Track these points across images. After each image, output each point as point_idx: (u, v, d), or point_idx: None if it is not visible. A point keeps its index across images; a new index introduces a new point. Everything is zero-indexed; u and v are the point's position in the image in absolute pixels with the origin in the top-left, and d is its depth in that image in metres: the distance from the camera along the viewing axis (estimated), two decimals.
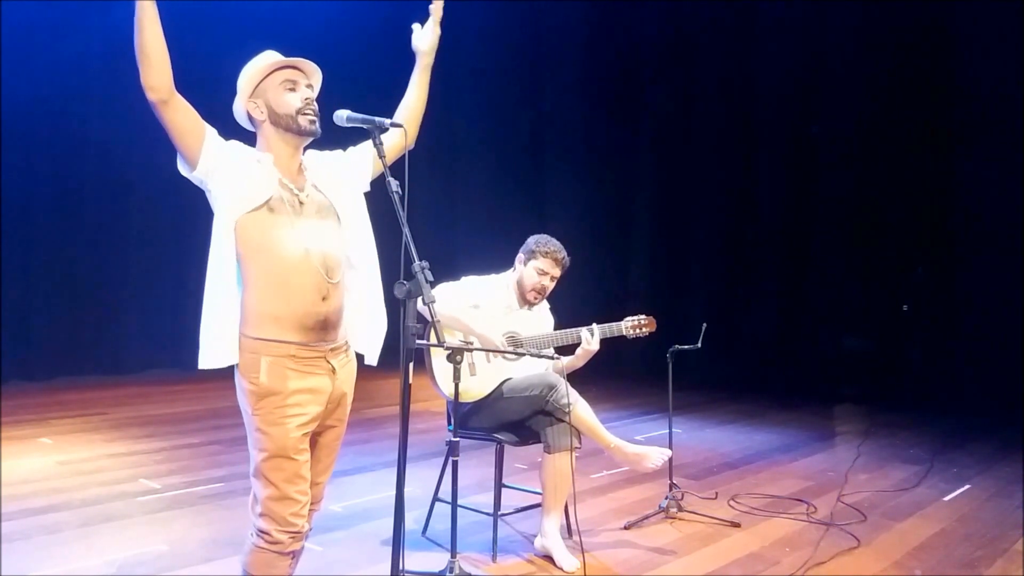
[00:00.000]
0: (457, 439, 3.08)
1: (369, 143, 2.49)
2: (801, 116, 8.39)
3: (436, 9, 2.64)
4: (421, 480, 4.15)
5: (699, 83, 9.03)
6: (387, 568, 2.33)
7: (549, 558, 3.50)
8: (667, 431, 4.27)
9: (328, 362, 2.33)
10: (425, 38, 2.63)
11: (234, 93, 2.36)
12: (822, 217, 8.34)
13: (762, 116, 8.66)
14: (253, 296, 2.25)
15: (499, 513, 3.60)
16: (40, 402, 6.70)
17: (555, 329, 3.75)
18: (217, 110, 2.43)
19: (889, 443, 6.02)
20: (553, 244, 3.69)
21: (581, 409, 3.52)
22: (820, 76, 8.31)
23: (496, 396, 3.53)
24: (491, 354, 3.56)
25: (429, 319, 2.23)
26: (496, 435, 3.57)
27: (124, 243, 8.19)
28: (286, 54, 2.38)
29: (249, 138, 2.39)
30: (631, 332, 3.67)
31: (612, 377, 7.62)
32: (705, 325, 4.21)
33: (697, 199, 9.09)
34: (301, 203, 2.31)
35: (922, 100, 7.71)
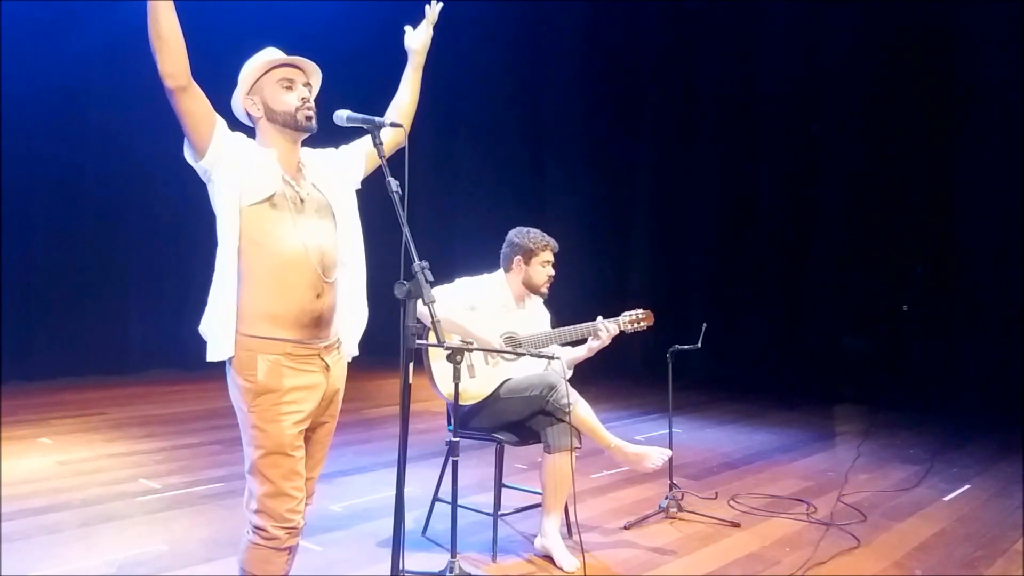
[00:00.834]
0: (457, 439, 3.08)
1: (360, 140, 2.51)
2: (801, 116, 8.39)
3: (432, 12, 2.64)
4: (421, 480, 4.15)
5: (699, 83, 9.02)
6: (387, 568, 2.33)
7: (549, 558, 3.50)
8: (667, 431, 4.27)
9: (322, 359, 2.35)
10: (417, 38, 2.65)
11: (233, 91, 2.36)
12: (822, 217, 8.34)
13: (762, 116, 8.65)
14: (249, 292, 2.25)
15: (499, 513, 3.60)
16: (40, 402, 6.70)
17: (552, 324, 3.76)
18: (217, 108, 2.43)
19: (889, 443, 6.02)
20: (541, 234, 3.73)
21: (581, 409, 3.53)
22: (820, 76, 8.30)
23: (496, 397, 3.53)
24: (490, 355, 3.56)
25: (429, 319, 2.22)
26: (496, 435, 3.57)
27: (124, 243, 8.20)
28: (287, 53, 2.38)
29: (248, 132, 2.39)
30: (629, 327, 3.67)
31: (612, 377, 7.62)
32: (705, 325, 4.21)
33: (697, 199, 9.09)
34: (302, 200, 2.32)
35: (922, 100, 7.71)
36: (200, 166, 2.26)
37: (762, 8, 8.48)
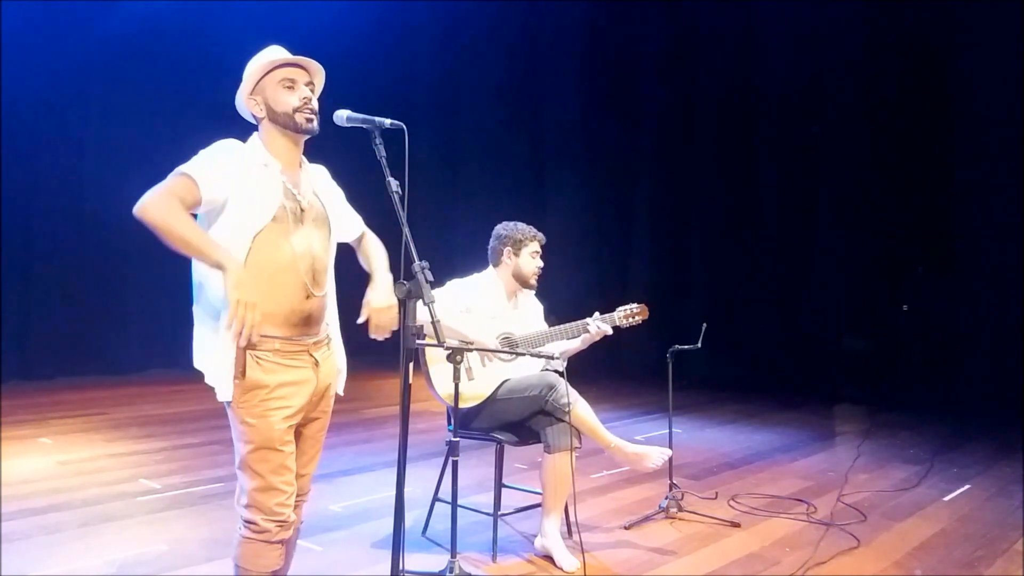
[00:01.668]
0: (457, 439, 3.08)
1: (355, 219, 2.52)
2: (802, 116, 8.39)
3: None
4: (421, 480, 4.15)
5: (700, 82, 9.03)
6: (387, 568, 2.33)
7: (549, 558, 3.50)
8: (667, 431, 4.27)
9: (311, 355, 2.35)
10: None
11: (235, 90, 2.36)
12: (822, 217, 8.35)
13: (763, 116, 8.66)
14: None
15: (499, 513, 3.60)
16: (40, 402, 6.70)
17: (546, 315, 3.75)
18: (220, 109, 2.43)
19: (889, 443, 6.02)
20: (528, 227, 3.76)
21: (581, 409, 3.52)
22: (821, 76, 8.31)
23: (495, 397, 3.53)
24: (487, 358, 3.56)
25: (429, 320, 2.22)
26: (496, 435, 3.57)
27: (124, 243, 8.18)
28: (291, 51, 2.38)
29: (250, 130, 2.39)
30: (624, 322, 3.67)
31: (612, 377, 7.62)
32: (705, 325, 4.21)
33: (697, 199, 9.10)
34: (303, 210, 2.32)
35: (923, 100, 7.71)
36: (200, 211, 2.23)
37: (762, 9, 8.48)
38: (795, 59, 8.40)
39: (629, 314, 3.68)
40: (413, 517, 3.91)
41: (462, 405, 3.46)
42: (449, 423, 3.60)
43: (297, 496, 2.38)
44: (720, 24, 8.80)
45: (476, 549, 3.62)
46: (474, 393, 3.51)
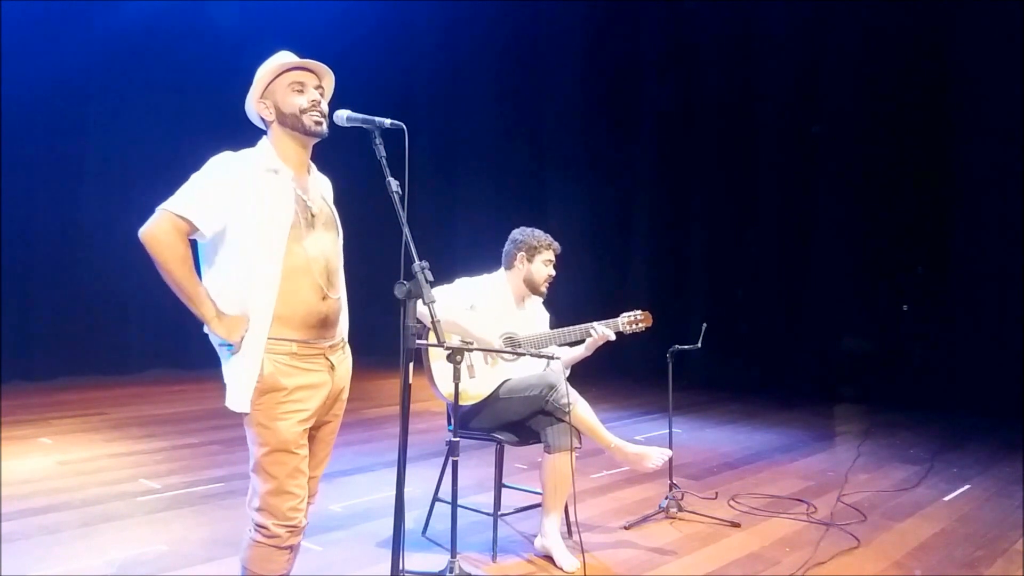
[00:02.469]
0: (457, 439, 3.08)
1: None
2: (801, 116, 8.39)
3: None
4: (421, 480, 4.15)
5: (699, 83, 9.02)
6: (387, 568, 2.33)
7: (549, 558, 3.50)
8: (667, 431, 4.27)
9: (327, 358, 2.36)
10: None
11: (241, 95, 2.36)
12: (822, 217, 8.34)
13: (762, 116, 8.65)
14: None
15: (499, 513, 3.60)
16: (40, 402, 6.70)
17: (552, 326, 3.76)
18: (226, 110, 2.43)
19: (889, 443, 6.02)
20: (545, 235, 3.76)
21: (581, 409, 3.53)
22: (820, 76, 8.30)
23: (495, 397, 3.53)
24: (489, 356, 3.56)
25: (429, 320, 2.23)
26: (496, 435, 3.57)
27: (124, 243, 8.17)
28: (295, 54, 2.38)
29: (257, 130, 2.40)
30: (628, 328, 3.68)
31: (612, 377, 7.62)
32: (705, 325, 4.21)
33: (697, 199, 9.09)
34: (313, 215, 2.34)
35: (922, 100, 7.70)
36: (207, 239, 2.25)
37: (762, 9, 8.47)
38: (794, 60, 8.40)
39: (633, 320, 3.68)
40: (413, 517, 3.92)
41: (464, 403, 3.47)
42: (449, 423, 3.60)
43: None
44: (719, 25, 8.79)
45: (476, 549, 3.62)
46: (475, 392, 3.51)
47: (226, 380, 2.29)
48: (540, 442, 3.51)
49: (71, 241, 7.89)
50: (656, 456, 3.60)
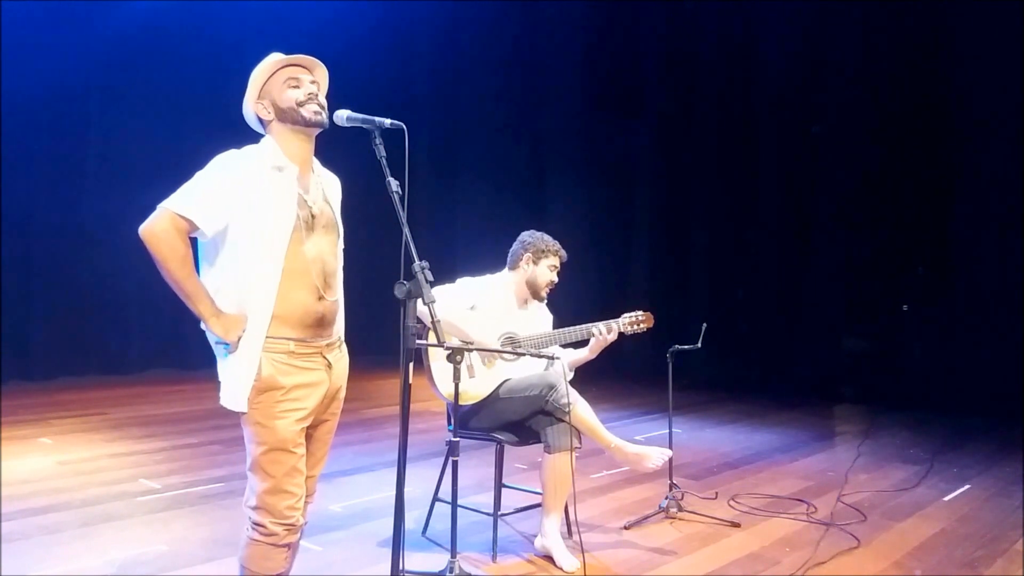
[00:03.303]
0: (457, 439, 3.08)
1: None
2: (801, 116, 8.39)
3: None
4: (421, 480, 4.15)
5: (699, 83, 9.03)
6: (387, 568, 2.33)
7: (549, 558, 3.50)
8: (667, 431, 4.27)
9: (324, 357, 2.36)
10: None
11: (240, 94, 2.36)
12: (822, 217, 8.34)
13: (762, 116, 8.66)
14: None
15: (499, 513, 3.60)
16: (40, 402, 6.70)
17: (554, 326, 3.76)
18: (226, 110, 2.43)
19: (889, 443, 6.02)
20: (554, 240, 3.76)
21: (581, 409, 3.53)
22: (820, 76, 8.30)
23: (495, 397, 3.53)
24: (488, 356, 3.56)
25: (429, 320, 2.23)
26: (496, 435, 3.57)
27: (124, 243, 8.17)
28: (288, 54, 2.39)
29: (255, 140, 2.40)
30: (628, 328, 3.68)
31: (612, 377, 7.62)
32: (705, 325, 4.21)
33: (697, 199, 9.09)
34: (313, 217, 2.34)
35: (923, 100, 7.71)
36: (209, 237, 2.26)
37: (762, 9, 8.48)
38: (795, 60, 8.40)
39: (634, 321, 3.68)
40: (413, 517, 3.92)
41: (463, 402, 3.47)
42: (449, 423, 3.60)
43: (304, 497, 2.39)
44: (719, 25, 8.80)
45: (476, 549, 3.62)
46: (475, 391, 3.51)
47: (222, 378, 2.29)
48: (540, 442, 3.51)
49: (71, 241, 7.88)
50: (656, 456, 3.60)
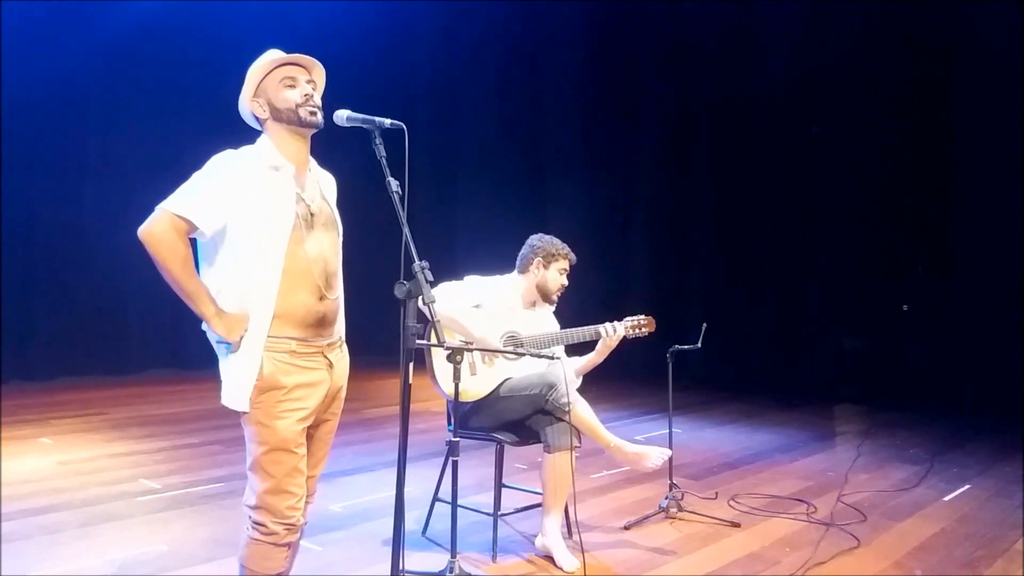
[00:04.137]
0: (457, 439, 3.08)
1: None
2: (801, 116, 8.39)
3: None
4: (421, 480, 4.15)
5: (699, 83, 9.02)
6: (387, 568, 2.33)
7: (549, 558, 3.50)
8: (667, 431, 4.27)
9: (325, 356, 2.36)
10: None
11: (238, 92, 2.36)
12: (822, 217, 8.34)
13: (762, 116, 8.65)
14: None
15: (499, 513, 3.60)
16: (40, 402, 6.70)
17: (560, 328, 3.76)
18: (226, 110, 2.43)
19: (889, 443, 6.02)
20: (563, 244, 3.77)
21: (581, 408, 3.53)
22: (820, 76, 8.30)
23: (496, 396, 3.53)
24: (490, 355, 3.56)
25: (429, 319, 2.23)
26: (496, 435, 3.57)
27: (124, 243, 8.17)
28: (290, 52, 2.39)
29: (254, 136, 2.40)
30: (631, 332, 3.68)
31: (612, 377, 7.56)
32: (705, 325, 4.21)
33: (697, 199, 9.09)
34: (312, 215, 2.33)
35: (923, 100, 7.71)
36: (207, 237, 2.26)
37: (762, 9, 8.48)
38: (794, 59, 8.39)
39: (636, 325, 3.68)
40: (413, 517, 3.92)
41: (464, 400, 3.47)
42: (449, 423, 3.60)
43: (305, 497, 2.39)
44: (719, 25, 8.80)
45: (476, 549, 3.62)
46: (476, 390, 3.51)
47: (223, 377, 2.29)
48: (540, 442, 3.51)
49: (71, 241, 7.88)
50: (656, 456, 3.61)
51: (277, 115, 2.32)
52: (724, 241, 8.86)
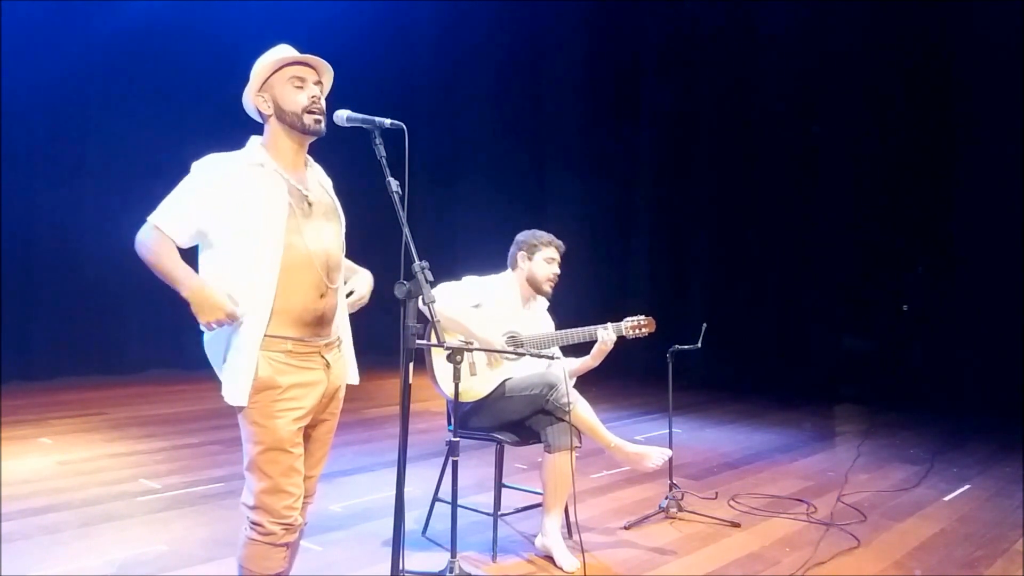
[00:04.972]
0: (457, 439, 3.08)
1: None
2: (802, 116, 8.39)
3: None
4: (421, 480, 4.15)
5: (699, 83, 9.02)
6: (387, 568, 2.33)
7: (549, 558, 3.50)
8: (667, 431, 4.27)
9: (322, 356, 2.35)
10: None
11: (240, 94, 2.36)
12: (822, 217, 8.34)
13: (763, 115, 8.65)
14: None
15: (499, 513, 3.60)
16: (40, 402, 6.69)
17: (556, 330, 3.76)
18: (226, 110, 2.43)
19: (889, 443, 6.02)
20: (546, 233, 3.76)
21: (581, 408, 3.53)
22: (821, 76, 8.30)
23: (496, 396, 3.53)
24: (491, 355, 3.56)
25: (429, 319, 2.23)
26: (496, 435, 3.57)
27: (124, 243, 8.17)
28: (297, 52, 2.38)
29: (255, 130, 2.40)
30: (631, 332, 3.68)
31: (612, 377, 7.56)
32: (705, 325, 4.20)
33: (697, 199, 9.09)
34: (310, 204, 2.33)
35: (923, 99, 7.71)
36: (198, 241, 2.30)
37: (763, 9, 8.47)
38: (795, 59, 8.39)
39: (636, 325, 3.68)
40: (413, 517, 3.92)
41: (464, 400, 3.47)
42: (449, 423, 3.60)
43: (303, 498, 2.38)
44: (719, 25, 8.79)
45: (476, 549, 3.62)
46: (476, 390, 3.51)
47: (222, 375, 2.29)
48: (540, 442, 3.51)
49: (71, 241, 7.87)
50: (656, 455, 3.61)
51: (281, 115, 2.31)
52: (724, 241, 8.86)
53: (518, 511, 3.87)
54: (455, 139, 9.97)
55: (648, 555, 3.63)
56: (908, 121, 7.77)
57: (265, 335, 2.24)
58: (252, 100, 2.34)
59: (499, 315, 3.61)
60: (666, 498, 4.17)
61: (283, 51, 2.35)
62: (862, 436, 6.22)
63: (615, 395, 7.45)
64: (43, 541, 3.60)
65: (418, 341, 2.24)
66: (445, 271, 3.33)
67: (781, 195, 8.55)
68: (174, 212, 2.24)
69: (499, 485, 3.65)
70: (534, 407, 3.48)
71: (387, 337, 2.50)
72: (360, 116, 2.34)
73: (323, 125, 2.33)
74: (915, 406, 7.22)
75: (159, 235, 2.23)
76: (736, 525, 4.03)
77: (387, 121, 2.35)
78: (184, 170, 2.28)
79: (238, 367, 2.23)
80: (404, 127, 2.32)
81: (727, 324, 8.34)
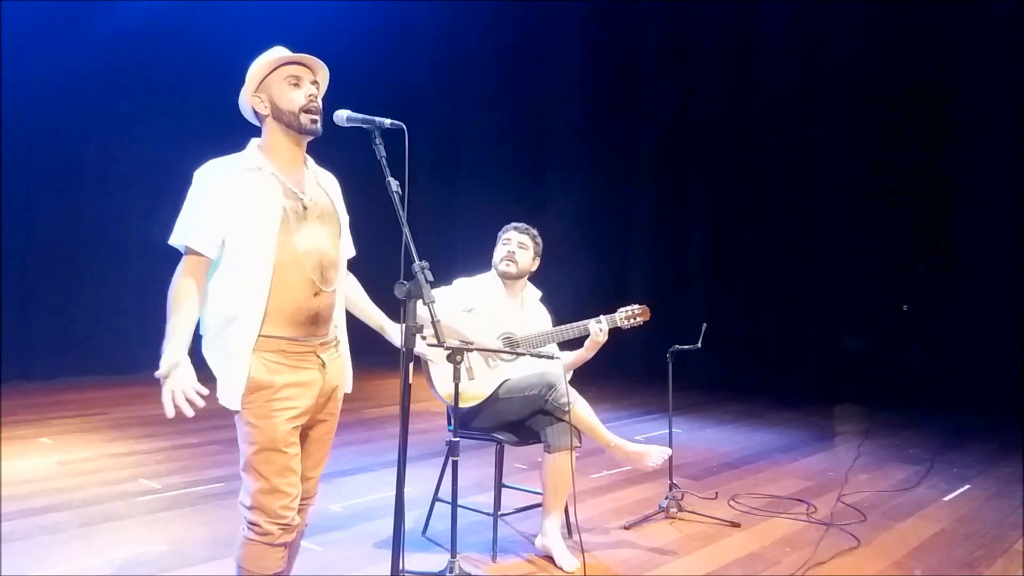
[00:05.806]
0: (457, 439, 3.08)
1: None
2: (802, 115, 8.39)
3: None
4: (421, 480, 4.15)
5: (699, 82, 9.03)
6: (387, 568, 2.33)
7: (549, 558, 3.50)
8: (667, 431, 4.27)
9: (318, 356, 2.35)
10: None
11: (238, 93, 2.36)
12: (822, 216, 8.34)
13: (762, 115, 8.65)
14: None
15: (499, 513, 3.60)
16: (40, 402, 6.69)
17: (555, 325, 3.76)
18: (226, 111, 2.43)
19: (889, 443, 6.02)
20: (514, 223, 3.79)
21: (581, 408, 3.53)
22: (821, 76, 8.30)
23: (495, 397, 3.53)
24: (488, 357, 3.56)
25: (429, 319, 2.23)
26: (496, 435, 3.57)
27: (124, 242, 8.20)
28: (292, 51, 2.38)
29: (255, 131, 2.40)
30: (625, 323, 3.66)
31: (612, 377, 7.62)
32: (705, 325, 4.21)
33: (697, 198, 9.10)
34: (305, 207, 2.32)
35: (923, 100, 7.71)
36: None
37: (763, 8, 8.48)
38: (795, 59, 8.40)
39: (630, 315, 3.67)
40: (413, 517, 3.92)
41: (463, 404, 3.47)
42: (449, 423, 3.60)
43: (303, 499, 2.38)
44: (719, 24, 8.80)
45: (476, 549, 3.62)
46: (475, 392, 3.51)
47: (217, 377, 2.28)
48: (540, 442, 3.51)
49: (71, 241, 7.88)
50: (656, 455, 3.61)
51: (278, 115, 2.31)
52: (724, 241, 8.86)
53: (518, 511, 3.86)
54: (455, 139, 9.97)
55: (648, 555, 3.63)
56: (908, 121, 7.77)
57: (259, 335, 2.24)
58: (249, 101, 2.34)
59: (492, 317, 3.60)
60: (666, 498, 4.17)
61: (278, 52, 2.36)
62: (862, 436, 6.22)
63: (615, 395, 7.45)
64: (43, 541, 3.60)
65: (418, 343, 2.23)
66: (445, 271, 3.32)
67: (781, 195, 8.55)
68: (196, 226, 2.22)
69: (499, 485, 3.65)
70: (533, 407, 3.47)
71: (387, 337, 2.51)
72: (360, 116, 2.34)
73: (320, 125, 2.33)
74: (915, 406, 7.23)
75: (193, 263, 2.22)
76: (736, 525, 4.03)
77: (387, 121, 2.35)
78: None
79: (231, 371, 2.23)
80: (404, 127, 2.31)
81: (727, 324, 8.34)
